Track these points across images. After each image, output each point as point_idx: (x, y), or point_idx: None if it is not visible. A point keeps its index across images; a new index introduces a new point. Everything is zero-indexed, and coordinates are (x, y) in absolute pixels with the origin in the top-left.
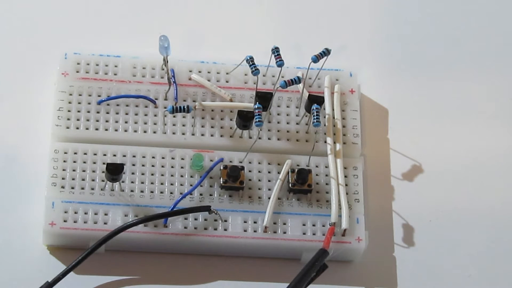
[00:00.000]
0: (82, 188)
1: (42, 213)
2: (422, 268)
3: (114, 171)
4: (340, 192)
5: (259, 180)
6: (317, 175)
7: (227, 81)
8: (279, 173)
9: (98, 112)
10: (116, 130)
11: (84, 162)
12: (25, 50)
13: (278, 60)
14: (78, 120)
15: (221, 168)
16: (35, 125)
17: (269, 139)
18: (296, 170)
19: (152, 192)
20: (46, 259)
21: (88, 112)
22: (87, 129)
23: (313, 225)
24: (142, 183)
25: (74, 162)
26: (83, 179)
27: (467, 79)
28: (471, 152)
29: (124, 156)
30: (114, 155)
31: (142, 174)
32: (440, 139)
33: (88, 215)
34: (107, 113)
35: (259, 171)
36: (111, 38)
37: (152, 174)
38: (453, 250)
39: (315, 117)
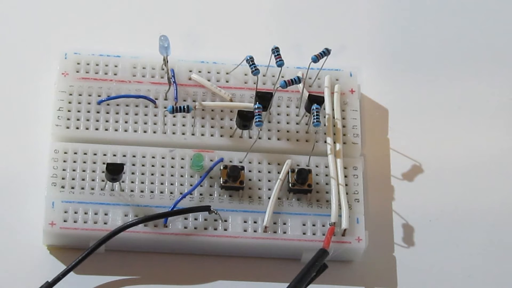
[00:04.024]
0: (82, 188)
1: (42, 213)
2: (422, 268)
3: (114, 171)
4: (340, 192)
5: (259, 180)
6: (317, 175)
7: (227, 81)
8: (279, 173)
9: (98, 112)
10: (116, 130)
11: (84, 162)
12: (25, 50)
13: (278, 60)
14: (78, 120)
15: (221, 168)
16: (35, 125)
17: (269, 139)
18: (296, 170)
19: (152, 192)
20: (46, 259)
21: (88, 112)
22: (87, 129)
23: (313, 225)
24: (142, 183)
25: (74, 162)
26: (83, 179)
27: (467, 79)
28: (471, 152)
29: (124, 156)
30: (114, 155)
31: (142, 174)
32: (440, 139)
33: (88, 215)
34: (107, 113)
35: (259, 171)
36: (111, 38)
37: (152, 174)
38: (453, 250)
39: (315, 117)
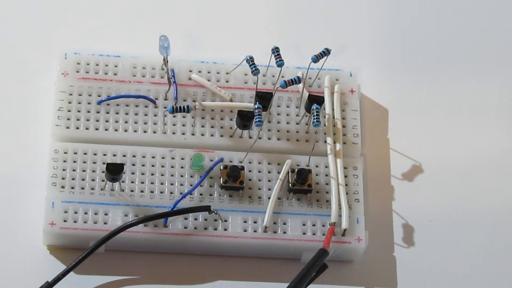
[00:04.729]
0: (82, 188)
1: (42, 213)
2: (422, 268)
3: (114, 171)
4: (340, 192)
5: (259, 180)
6: (317, 175)
7: (227, 81)
8: (279, 173)
9: (98, 112)
10: (116, 130)
11: (84, 162)
12: (25, 50)
13: (278, 60)
14: (78, 120)
15: (221, 168)
16: (35, 125)
17: (269, 139)
18: (296, 170)
19: (152, 192)
20: (46, 259)
21: (88, 112)
22: (87, 129)
23: (313, 225)
24: (142, 183)
25: (74, 162)
26: (83, 179)
27: (467, 79)
28: (471, 152)
29: (124, 156)
30: (114, 155)
31: (142, 174)
32: (440, 139)
33: (88, 215)
34: (107, 113)
35: (259, 171)
36: (111, 38)
37: (152, 174)
38: (453, 250)
39: (315, 117)
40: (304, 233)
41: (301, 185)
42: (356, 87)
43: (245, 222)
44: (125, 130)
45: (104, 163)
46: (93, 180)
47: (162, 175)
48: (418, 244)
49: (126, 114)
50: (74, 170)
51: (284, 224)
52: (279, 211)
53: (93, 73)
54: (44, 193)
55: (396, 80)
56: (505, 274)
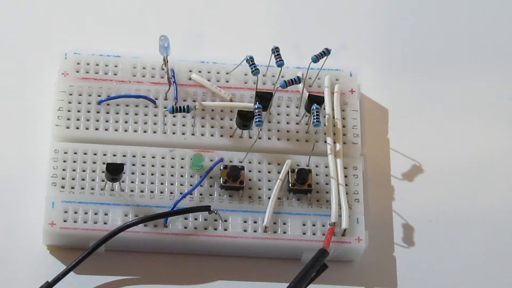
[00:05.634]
0: (82, 188)
1: (42, 213)
2: (422, 268)
3: (114, 171)
4: (340, 192)
5: (259, 180)
6: (317, 175)
7: (227, 81)
8: (279, 173)
9: (98, 112)
10: (116, 130)
11: (84, 162)
12: (25, 50)
13: (278, 60)
14: (78, 120)
15: (221, 168)
16: (35, 125)
17: (269, 139)
18: (296, 170)
19: (152, 192)
20: (46, 259)
21: (88, 112)
22: (87, 129)
23: (313, 225)
24: (142, 183)
25: (74, 162)
26: (83, 179)
27: (467, 79)
28: (471, 152)
29: (124, 156)
30: (114, 155)
31: (142, 174)
32: (440, 139)
33: (88, 215)
34: (107, 113)
35: (259, 171)
36: (111, 38)
37: (152, 174)
38: (453, 250)
39: (315, 117)
40: (304, 233)
41: (301, 185)
42: (356, 87)
43: (245, 222)
44: (125, 130)
45: (104, 163)
46: (93, 180)
47: (162, 175)
48: (418, 244)
49: (126, 114)
50: (74, 170)
51: (284, 224)
52: (279, 211)
53: (93, 73)
54: (44, 193)
55: (396, 80)
56: (505, 274)
